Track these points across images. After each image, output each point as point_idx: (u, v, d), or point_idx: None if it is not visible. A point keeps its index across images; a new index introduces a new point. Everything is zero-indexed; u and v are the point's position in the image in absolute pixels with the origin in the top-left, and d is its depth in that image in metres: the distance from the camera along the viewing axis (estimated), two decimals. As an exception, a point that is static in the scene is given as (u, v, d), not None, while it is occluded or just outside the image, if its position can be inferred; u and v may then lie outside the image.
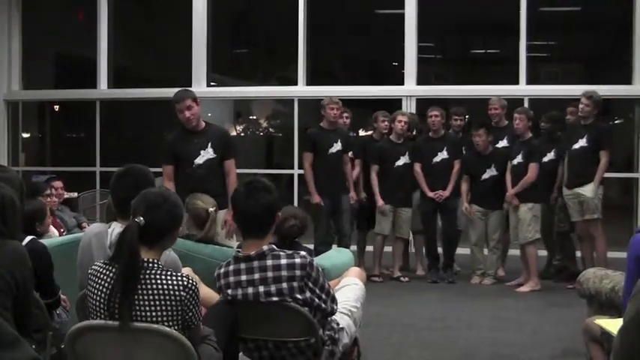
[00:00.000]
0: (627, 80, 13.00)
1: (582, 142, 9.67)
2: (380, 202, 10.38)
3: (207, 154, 7.53)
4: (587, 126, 9.70)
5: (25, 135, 15.66)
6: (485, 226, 10.25)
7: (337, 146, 10.02)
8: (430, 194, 10.29)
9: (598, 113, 9.76)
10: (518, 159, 9.89)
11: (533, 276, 9.83)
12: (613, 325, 4.05)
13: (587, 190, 9.52)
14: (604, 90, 10.59)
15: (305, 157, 10.16)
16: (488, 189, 10.15)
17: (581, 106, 9.71)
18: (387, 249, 10.72)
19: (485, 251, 10.42)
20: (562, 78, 16.70)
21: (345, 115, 10.64)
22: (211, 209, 5.78)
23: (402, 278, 10.45)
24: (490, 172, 10.15)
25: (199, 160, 7.52)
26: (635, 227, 10.94)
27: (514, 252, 10.57)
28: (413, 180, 10.50)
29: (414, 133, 10.93)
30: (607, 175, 9.98)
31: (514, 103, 11.19)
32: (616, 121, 16.42)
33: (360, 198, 10.42)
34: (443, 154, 10.37)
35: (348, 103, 11.00)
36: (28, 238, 4.71)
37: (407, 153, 10.42)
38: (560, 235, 10.33)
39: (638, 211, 12.61)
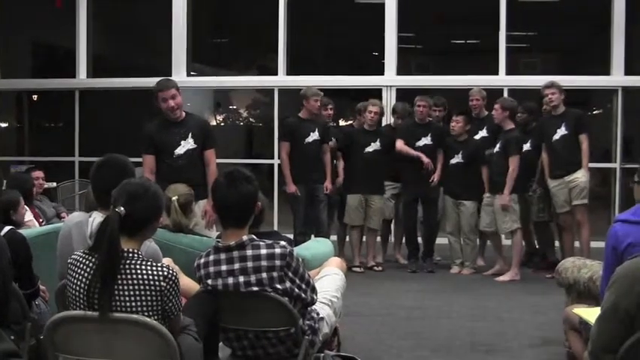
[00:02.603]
0: (606, 71, 13.08)
1: (562, 131, 9.72)
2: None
3: (187, 144, 7.48)
4: (562, 115, 9.76)
5: (3, 124, 15.56)
6: (459, 217, 10.30)
7: (314, 136, 10.02)
8: (426, 160, 10.24)
9: (565, 100, 9.82)
10: (496, 148, 9.94)
11: (515, 266, 9.87)
12: (591, 314, 4.09)
13: (581, 175, 9.56)
14: (583, 81, 10.66)
15: (282, 146, 10.17)
16: (457, 177, 10.22)
17: (549, 97, 9.76)
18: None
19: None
20: (541, 68, 16.75)
21: (330, 107, 10.62)
22: (174, 198, 5.78)
23: (375, 268, 10.47)
24: (457, 159, 10.22)
25: (180, 151, 7.47)
26: (612, 217, 11.01)
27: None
28: (384, 168, 10.51)
29: (399, 121, 10.93)
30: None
31: (494, 93, 11.22)
32: (594, 112, 16.50)
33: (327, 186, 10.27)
34: (426, 140, 10.37)
35: (328, 92, 10.99)
36: (7, 228, 4.71)
37: (378, 140, 10.42)
38: (539, 225, 10.39)
39: (616, 202, 12.71)
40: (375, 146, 10.39)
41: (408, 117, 10.86)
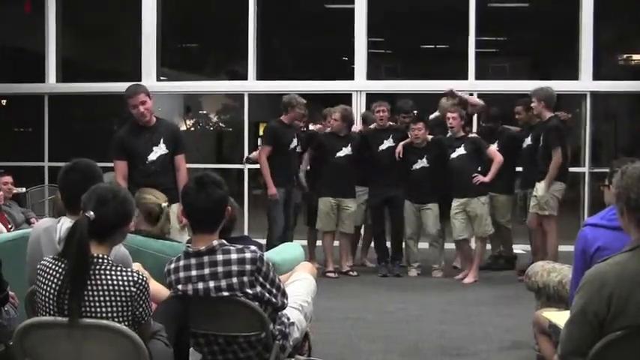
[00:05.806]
0: (574, 76, 13.18)
1: (527, 142, 9.88)
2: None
3: (159, 150, 7.45)
4: (536, 125, 9.86)
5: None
6: (420, 222, 10.33)
7: (295, 142, 10.13)
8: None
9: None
10: (459, 151, 9.98)
11: (475, 269, 9.97)
12: (560, 317, 4.11)
13: (539, 186, 9.57)
14: (551, 86, 10.66)
15: (264, 150, 10.09)
16: (420, 182, 10.22)
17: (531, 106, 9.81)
18: (335, 243, 10.73)
19: (425, 245, 10.52)
20: (510, 73, 16.85)
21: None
22: (164, 204, 5.71)
23: (350, 272, 10.47)
24: (421, 164, 10.22)
25: (152, 157, 7.42)
26: (581, 221, 11.07)
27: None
28: (354, 172, 10.51)
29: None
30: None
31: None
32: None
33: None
34: (389, 142, 10.41)
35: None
36: (-25, 234, 4.67)
37: (349, 145, 10.41)
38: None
39: (585, 205, 12.80)
40: (346, 151, 10.40)
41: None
